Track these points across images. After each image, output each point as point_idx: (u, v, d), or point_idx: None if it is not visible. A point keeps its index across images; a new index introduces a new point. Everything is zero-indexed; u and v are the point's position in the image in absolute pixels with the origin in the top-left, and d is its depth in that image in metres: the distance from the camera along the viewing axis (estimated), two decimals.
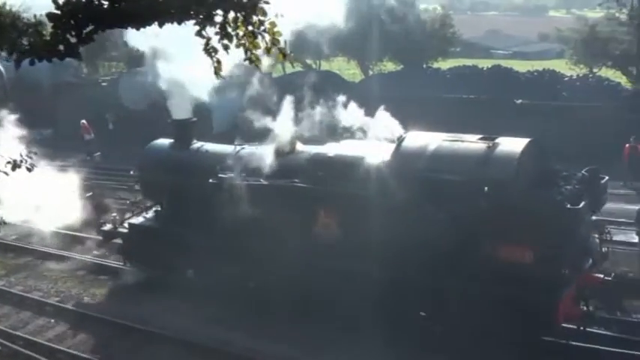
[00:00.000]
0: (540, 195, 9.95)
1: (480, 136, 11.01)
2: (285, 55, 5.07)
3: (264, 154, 12.75)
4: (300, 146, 12.74)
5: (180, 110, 13.98)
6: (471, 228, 10.20)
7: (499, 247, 10.04)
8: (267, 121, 12.45)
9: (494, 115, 20.28)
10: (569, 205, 9.69)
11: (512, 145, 10.45)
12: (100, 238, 15.12)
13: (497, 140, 10.67)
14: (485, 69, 27.87)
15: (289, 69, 31.95)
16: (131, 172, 15.11)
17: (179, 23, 4.96)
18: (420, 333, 10.99)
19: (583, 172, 10.36)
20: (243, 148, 13.26)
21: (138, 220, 14.17)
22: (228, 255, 12.55)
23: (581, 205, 9.73)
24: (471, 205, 10.18)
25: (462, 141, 10.92)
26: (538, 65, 29.94)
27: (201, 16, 4.88)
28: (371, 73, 32.10)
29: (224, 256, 12.61)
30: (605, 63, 29.09)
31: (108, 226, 14.60)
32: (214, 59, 5.02)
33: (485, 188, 9.91)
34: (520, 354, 10.22)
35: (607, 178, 10.82)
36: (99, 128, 27.00)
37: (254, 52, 4.99)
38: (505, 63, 31.25)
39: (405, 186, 10.62)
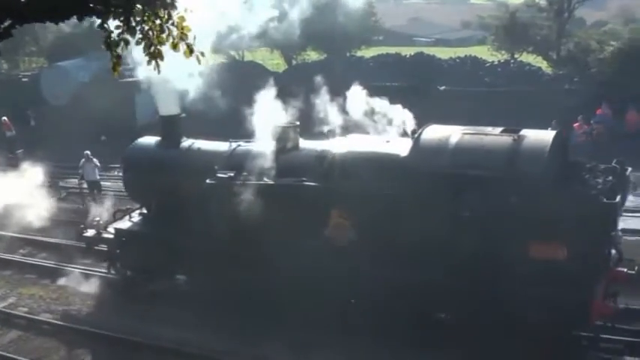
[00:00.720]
0: (575, 190, 9.54)
1: (502, 128, 10.57)
2: (192, 51, 5.04)
3: (265, 152, 12.01)
4: (302, 142, 12.06)
5: (166, 106, 13.07)
6: (500, 226, 9.73)
7: (530, 244, 9.60)
8: (260, 117, 11.78)
9: (418, 102, 20.02)
10: (605, 200, 9.34)
11: (538, 138, 10.02)
12: (83, 245, 14.09)
13: (521, 133, 10.23)
14: (408, 57, 28.01)
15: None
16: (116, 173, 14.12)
17: (98, 17, 4.91)
18: (445, 336, 10.52)
19: (613, 164, 9.99)
20: (239, 145, 12.48)
21: (124, 224, 13.23)
22: (228, 259, 11.78)
23: (617, 199, 9.38)
24: (500, 202, 9.73)
25: (485, 134, 10.42)
26: (460, 52, 30.36)
27: (120, 10, 4.84)
28: (294, 62, 31.77)
29: (224, 261, 11.85)
30: (525, 48, 29.68)
31: (90, 232, 13.60)
32: (114, 54, 4.97)
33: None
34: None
35: (630, 169, 10.52)
36: (20, 125, 26.19)
37: (158, 47, 5.00)
38: (428, 50, 31.63)
39: (427, 183, 10.04)
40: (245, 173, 11.61)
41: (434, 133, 10.60)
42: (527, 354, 9.84)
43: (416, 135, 10.74)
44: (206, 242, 11.95)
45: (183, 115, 13.21)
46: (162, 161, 12.86)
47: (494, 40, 31.47)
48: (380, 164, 10.76)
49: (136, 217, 13.45)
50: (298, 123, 12.01)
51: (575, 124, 20.39)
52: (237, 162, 11.99)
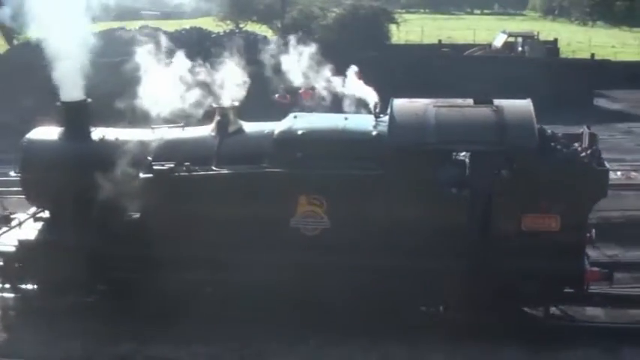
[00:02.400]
0: (567, 159, 9.37)
1: (471, 99, 10.13)
2: None
3: (203, 137, 10.60)
4: (245, 125, 10.76)
5: (69, 90, 10.95)
6: (491, 201, 9.36)
7: (524, 217, 9.35)
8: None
9: None
10: (597, 167, 9.30)
11: (517, 108, 9.72)
12: None
13: (496, 104, 9.87)
14: (133, 30, 27.16)
15: None
16: (12, 173, 11.60)
17: None
18: (438, 323, 10.00)
19: (587, 131, 9.95)
20: (166, 131, 10.84)
21: (25, 233, 10.97)
22: (175, 262, 10.23)
23: (607, 165, 9.37)
24: (491, 177, 9.34)
25: (461, 107, 9.93)
26: (187, 24, 30.60)
27: None
28: (16, 42, 29.89)
29: (168, 264, 10.27)
30: (250, 18, 29.95)
31: None
32: None
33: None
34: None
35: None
36: None
37: None
38: (154, 24, 31.08)
39: (411, 161, 9.37)
40: (187, 163, 10.09)
41: (406, 107, 9.89)
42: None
43: (388, 111, 9.99)
44: (143, 245, 10.28)
45: (90, 100, 11.17)
46: (72, 156, 10.75)
47: (219, 10, 31.67)
48: (354, 143, 9.87)
49: (33, 223, 11.26)
50: (237, 104, 10.70)
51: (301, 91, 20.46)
52: (171, 151, 10.39)
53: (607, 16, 38.01)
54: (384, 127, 9.99)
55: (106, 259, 10.52)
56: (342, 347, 9.82)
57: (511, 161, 9.28)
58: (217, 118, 10.52)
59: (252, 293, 10.01)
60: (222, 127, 10.44)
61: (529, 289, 9.62)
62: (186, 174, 10.00)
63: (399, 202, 9.50)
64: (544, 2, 78.82)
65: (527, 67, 27.40)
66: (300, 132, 9.96)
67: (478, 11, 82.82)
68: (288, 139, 9.95)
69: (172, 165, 10.08)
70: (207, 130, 10.73)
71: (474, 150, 9.42)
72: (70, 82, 10.84)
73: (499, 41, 33.05)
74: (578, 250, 9.46)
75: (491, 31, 38.01)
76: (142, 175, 10.15)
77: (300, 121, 10.30)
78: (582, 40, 40.36)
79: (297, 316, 10.04)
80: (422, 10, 74.38)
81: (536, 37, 32.52)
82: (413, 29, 40.74)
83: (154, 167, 10.10)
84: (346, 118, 10.41)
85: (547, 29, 41.84)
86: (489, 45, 33.66)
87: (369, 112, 10.56)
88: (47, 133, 11.26)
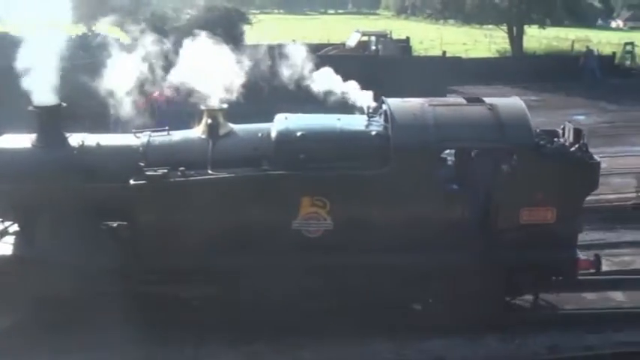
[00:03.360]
0: (561, 154, 9.78)
1: (463, 97, 10.41)
2: None
3: (193, 141, 10.25)
4: (233, 127, 10.48)
5: (41, 92, 10.23)
6: (492, 196, 9.65)
7: (522, 210, 9.69)
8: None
9: None
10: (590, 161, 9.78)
11: (510, 106, 10.06)
12: None
13: (487, 101, 10.18)
14: None
15: None
16: None
17: None
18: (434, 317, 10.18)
19: (572, 126, 10.41)
20: (150, 136, 10.38)
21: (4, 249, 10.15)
22: (168, 272, 9.84)
23: (598, 158, 9.87)
24: (493, 173, 9.63)
25: (456, 105, 10.17)
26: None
27: None
28: None
29: (162, 275, 9.87)
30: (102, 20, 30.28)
31: None
32: None
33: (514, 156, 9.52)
34: None
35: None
36: None
37: None
38: None
39: (415, 159, 9.50)
40: (182, 168, 9.71)
41: (403, 107, 9.99)
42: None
43: (384, 111, 10.06)
44: (133, 257, 9.81)
45: (64, 104, 10.47)
46: (49, 165, 10.04)
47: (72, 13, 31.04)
48: (356, 143, 9.87)
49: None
50: (226, 105, 10.42)
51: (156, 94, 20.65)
52: (162, 156, 9.98)
53: (458, 15, 39.75)
54: (379, 126, 10.08)
55: (91, 273, 9.97)
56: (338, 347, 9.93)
57: (511, 157, 9.61)
58: (207, 120, 10.20)
59: (252, 299, 9.88)
60: (213, 130, 10.12)
61: (525, 280, 10.04)
62: (183, 179, 9.65)
63: (403, 199, 9.61)
64: (397, 1, 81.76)
65: (381, 65, 27.96)
66: (299, 133, 9.83)
67: (332, 11, 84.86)
68: (289, 140, 9.80)
69: (166, 170, 9.69)
70: (195, 133, 10.38)
71: (475, 147, 9.67)
72: (44, 84, 10.16)
73: (353, 40, 33.57)
74: (571, 240, 9.93)
75: (345, 30, 38.61)
76: (132, 182, 9.68)
77: (294, 122, 10.17)
78: (434, 37, 41.74)
79: (297, 320, 9.98)
80: (276, 11, 75.17)
81: (389, 36, 33.32)
82: (267, 30, 41.00)
83: (147, 173, 9.66)
84: (339, 119, 10.39)
85: (400, 28, 43.07)
86: (343, 44, 34.15)
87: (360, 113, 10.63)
88: (17, 140, 10.48)
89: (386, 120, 10.09)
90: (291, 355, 9.76)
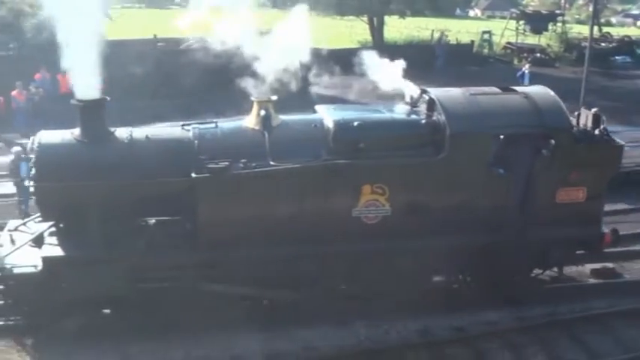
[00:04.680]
0: (594, 138, 10.67)
1: (495, 87, 11.11)
2: None
3: (245, 133, 10.29)
4: (283, 118, 10.59)
5: (86, 86, 9.84)
6: (534, 178, 10.39)
7: (558, 190, 10.52)
8: None
9: None
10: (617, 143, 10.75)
11: (541, 94, 10.84)
12: None
13: (520, 90, 10.94)
14: None
15: None
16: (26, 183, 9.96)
17: None
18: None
19: (590, 112, 11.31)
20: (198, 128, 10.28)
21: (46, 250, 9.70)
22: (232, 264, 9.88)
23: (621, 142, 10.85)
24: (533, 157, 10.36)
25: (494, 94, 10.83)
26: None
27: None
28: None
29: (224, 267, 9.89)
30: None
31: None
32: None
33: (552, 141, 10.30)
34: None
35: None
36: None
37: None
38: None
39: (468, 145, 10.07)
40: (244, 160, 9.73)
41: (449, 97, 10.52)
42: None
43: (428, 100, 10.55)
44: (195, 251, 9.76)
45: (108, 98, 10.10)
46: (101, 161, 9.71)
47: None
48: (412, 131, 10.31)
49: (43, 238, 10.01)
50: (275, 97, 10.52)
51: (14, 92, 21.14)
52: (215, 149, 9.94)
53: (318, 6, 40.93)
54: (425, 115, 10.57)
55: (147, 269, 9.82)
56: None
57: (549, 141, 10.38)
58: (260, 111, 10.24)
59: (313, 285, 10.16)
60: (267, 121, 10.19)
61: (557, 254, 10.92)
62: (247, 171, 9.68)
63: (456, 184, 10.17)
64: None
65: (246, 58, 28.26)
66: (356, 123, 10.12)
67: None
68: (348, 130, 10.07)
69: (227, 163, 9.68)
70: (247, 125, 10.41)
71: (521, 133, 10.36)
72: (88, 78, 9.80)
73: None
74: (598, 216, 10.90)
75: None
76: (194, 176, 9.59)
77: (346, 113, 10.46)
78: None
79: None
80: (137, 6, 73.96)
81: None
82: (129, 24, 40.21)
83: (210, 166, 9.60)
84: (382, 109, 10.79)
85: (264, 20, 43.56)
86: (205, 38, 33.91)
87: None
88: (59, 136, 10.04)
89: (430, 109, 10.60)
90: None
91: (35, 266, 9.60)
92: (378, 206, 10.08)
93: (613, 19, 76.45)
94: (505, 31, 40.85)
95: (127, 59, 23.78)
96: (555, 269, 11.44)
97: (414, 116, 10.60)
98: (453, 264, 10.71)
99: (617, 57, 37.73)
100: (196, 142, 10.02)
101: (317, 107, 11.04)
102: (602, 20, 57.03)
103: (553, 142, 10.31)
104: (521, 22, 41.23)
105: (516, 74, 26.68)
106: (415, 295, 10.51)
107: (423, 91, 10.85)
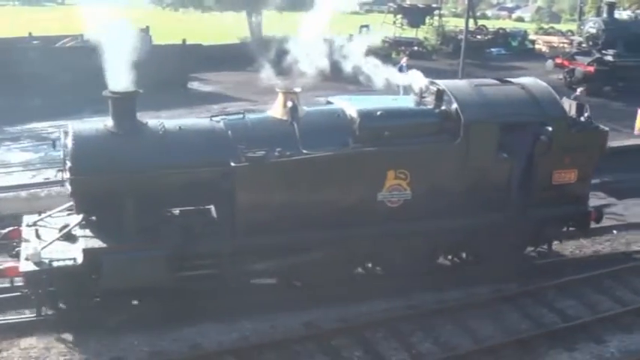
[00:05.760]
0: (582, 124, 11.79)
1: (492, 78, 12.03)
2: None
3: (278, 123, 10.73)
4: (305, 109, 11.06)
5: (117, 77, 9.92)
6: (533, 162, 11.37)
7: (554, 173, 11.57)
8: None
9: None
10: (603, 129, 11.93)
11: (535, 85, 11.85)
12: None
13: (515, 81, 11.93)
14: None
15: None
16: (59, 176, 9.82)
17: None
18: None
19: (574, 102, 12.47)
20: (226, 119, 10.61)
21: (87, 243, 9.70)
22: (269, 250, 10.29)
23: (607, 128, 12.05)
24: (534, 142, 11.34)
25: (495, 85, 11.75)
26: None
27: None
28: None
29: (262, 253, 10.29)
30: None
31: (27, 264, 9.45)
32: None
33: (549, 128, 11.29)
34: None
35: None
36: None
37: None
38: None
39: (480, 134, 10.91)
40: (279, 149, 10.14)
41: (458, 87, 11.36)
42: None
43: (437, 91, 11.31)
44: (235, 237, 10.10)
45: (141, 90, 10.19)
46: (137, 152, 9.83)
47: None
48: (426, 120, 11.07)
49: (78, 231, 10.02)
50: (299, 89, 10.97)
51: None
52: (254, 138, 10.30)
53: (197, 3, 41.15)
54: (436, 105, 11.36)
55: (186, 257, 10.04)
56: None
57: (547, 128, 11.39)
58: (287, 102, 10.66)
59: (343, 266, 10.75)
60: (294, 112, 10.63)
61: (551, 231, 12.01)
62: (283, 159, 10.09)
63: (469, 167, 11.00)
64: None
65: None
66: (379, 112, 10.76)
67: (70, 0, 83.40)
68: (373, 119, 10.69)
69: (264, 152, 10.06)
70: (274, 116, 10.81)
71: (522, 121, 11.31)
72: (121, 70, 9.90)
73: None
74: (586, 196, 12.06)
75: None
76: (233, 164, 9.92)
77: (367, 103, 11.07)
78: (174, 25, 42.61)
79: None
80: (12, 4, 71.89)
81: None
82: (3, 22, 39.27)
83: (248, 155, 9.95)
84: (395, 99, 11.49)
85: (141, 17, 43.34)
86: (81, 35, 33.99)
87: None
88: (92, 127, 10.08)
89: (439, 99, 11.39)
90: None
91: (74, 259, 9.67)
92: (400, 190, 10.77)
93: (489, 12, 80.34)
94: (383, 25, 41.25)
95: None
96: (544, 246, 12.54)
97: (428, 106, 11.36)
98: (460, 242, 11.56)
99: (492, 49, 39.54)
100: (229, 132, 10.36)
101: (331, 99, 11.60)
102: (478, 13, 60.00)
103: (550, 129, 11.35)
104: (399, 16, 41.84)
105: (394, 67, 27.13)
106: (425, 272, 11.37)
107: (431, 82, 11.63)
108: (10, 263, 9.96)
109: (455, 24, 42.42)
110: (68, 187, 10.04)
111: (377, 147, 10.55)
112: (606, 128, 12.01)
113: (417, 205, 10.83)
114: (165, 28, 38.35)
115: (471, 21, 38.86)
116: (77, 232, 10.14)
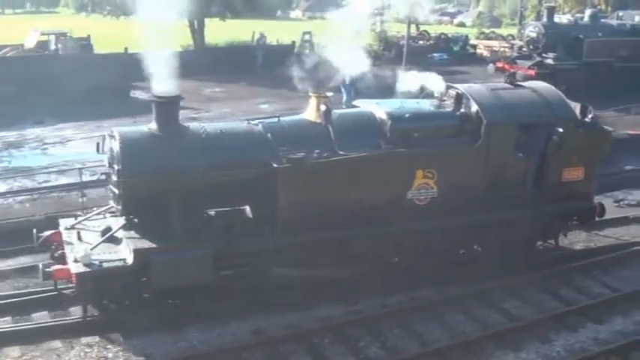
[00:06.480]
0: (589, 125, 12.56)
1: (503, 82, 12.74)
2: None
3: (312, 125, 11.19)
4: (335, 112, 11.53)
5: (162, 81, 10.19)
6: (546, 161, 12.09)
7: (564, 170, 12.30)
8: None
9: None
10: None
11: (545, 88, 12.59)
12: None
13: (526, 85, 12.64)
14: None
15: None
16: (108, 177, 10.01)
17: None
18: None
19: (577, 105, 13.22)
20: (261, 122, 11.01)
21: (135, 244, 9.93)
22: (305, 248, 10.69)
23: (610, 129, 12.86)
24: (547, 142, 12.04)
25: (509, 89, 12.43)
26: None
27: None
28: None
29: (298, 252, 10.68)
30: None
31: (78, 266, 9.62)
32: None
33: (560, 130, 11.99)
34: None
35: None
36: None
37: None
38: None
39: (500, 135, 11.57)
40: (318, 150, 10.58)
41: (477, 91, 12.00)
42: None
43: (460, 95, 11.90)
44: (273, 237, 10.48)
45: (183, 97, 10.49)
46: (183, 155, 10.16)
47: None
48: (450, 122, 11.70)
49: (121, 235, 10.25)
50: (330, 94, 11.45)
51: None
52: (286, 141, 10.71)
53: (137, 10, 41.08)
54: (456, 108, 11.95)
55: (229, 256, 10.39)
56: None
57: (558, 129, 12.10)
58: (320, 106, 11.10)
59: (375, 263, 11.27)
60: (328, 116, 11.08)
61: (560, 226, 12.75)
62: (323, 160, 10.53)
63: (489, 166, 11.64)
64: None
65: (62, 64, 27.56)
66: (407, 115, 11.31)
67: (10, 11, 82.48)
68: (402, 121, 11.22)
69: (304, 154, 10.48)
70: (307, 119, 11.25)
71: (536, 122, 12.00)
72: (164, 75, 10.18)
73: (31, 40, 32.59)
74: (592, 192, 12.84)
75: (24, 30, 36.55)
76: (275, 165, 10.30)
77: (395, 106, 11.59)
78: (115, 34, 42.67)
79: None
80: None
81: (69, 35, 32.63)
82: None
83: (290, 156, 10.35)
84: (418, 102, 12.06)
85: (81, 26, 42.88)
86: (22, 45, 33.39)
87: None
88: (139, 132, 10.35)
89: (458, 102, 11.99)
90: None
91: (124, 260, 9.90)
92: (427, 189, 11.34)
93: (430, 18, 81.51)
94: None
95: None
96: (551, 241, 13.27)
97: (449, 109, 11.96)
98: (478, 237, 12.18)
99: (434, 54, 40.21)
100: (269, 134, 10.74)
101: (357, 102, 12.11)
102: (420, 19, 60.85)
103: (561, 130, 12.08)
104: None
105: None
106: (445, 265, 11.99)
107: (449, 87, 12.24)
108: (57, 266, 10.10)
109: (397, 30, 42.31)
110: (115, 190, 10.27)
111: (407, 148, 11.11)
112: (610, 129, 12.85)
113: (442, 203, 11.42)
114: (106, 36, 38.15)
115: (413, 27, 39.38)
116: (119, 234, 10.39)
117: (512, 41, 38.79)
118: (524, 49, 30.30)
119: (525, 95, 12.33)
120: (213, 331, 10.37)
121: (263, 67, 33.19)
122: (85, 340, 9.99)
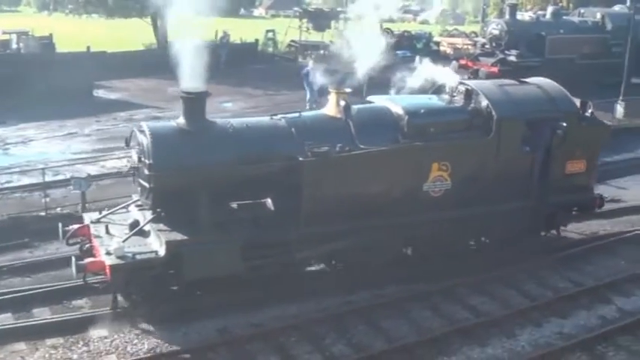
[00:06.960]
0: (591, 120, 13.12)
1: (507, 79, 13.23)
2: None
3: (333, 120, 11.58)
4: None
5: (191, 77, 10.42)
6: (550, 154, 12.60)
7: (567, 163, 12.84)
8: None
9: None
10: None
11: (548, 84, 13.11)
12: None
13: (530, 81, 13.14)
14: None
15: None
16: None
17: None
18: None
19: (577, 100, 13.78)
20: (283, 118, 11.32)
21: (166, 236, 10.15)
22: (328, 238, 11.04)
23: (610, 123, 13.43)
24: (551, 136, 12.56)
25: (516, 85, 12.93)
26: None
27: None
28: None
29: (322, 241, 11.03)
30: None
31: (111, 258, 9.80)
32: None
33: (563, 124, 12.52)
34: None
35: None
36: None
37: None
38: None
39: (510, 129, 12.06)
40: (340, 144, 10.92)
41: (487, 87, 12.48)
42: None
43: (470, 91, 12.34)
44: (300, 227, 10.81)
45: (208, 91, 10.72)
46: (211, 149, 10.44)
47: None
48: (462, 117, 12.14)
49: (149, 227, 10.48)
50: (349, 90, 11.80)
51: None
52: (309, 135, 11.03)
53: (100, 9, 41.01)
54: (467, 103, 12.40)
55: (258, 247, 10.68)
56: None
57: (562, 123, 12.63)
58: (341, 101, 11.44)
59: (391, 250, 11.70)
60: (348, 111, 11.43)
61: (563, 217, 13.30)
62: (346, 154, 10.88)
63: (499, 160, 12.11)
64: None
65: (24, 63, 27.69)
66: (423, 110, 11.72)
67: None
68: (419, 116, 11.63)
69: (327, 148, 10.81)
70: (327, 114, 11.58)
71: (542, 117, 12.51)
72: (195, 72, 10.42)
73: None
74: (592, 184, 13.42)
75: None
76: (301, 159, 10.61)
77: (411, 102, 11.99)
78: (78, 33, 41.45)
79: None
80: None
81: (30, 34, 32.30)
82: None
83: (315, 150, 10.67)
84: (430, 98, 12.48)
85: (43, 24, 42.56)
86: None
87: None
88: (168, 127, 10.59)
89: (468, 98, 12.44)
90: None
91: (156, 252, 10.12)
92: (442, 181, 11.77)
93: (394, 15, 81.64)
94: (289, 30, 41.69)
95: None
96: (553, 231, 13.83)
97: (461, 104, 12.40)
98: (486, 227, 12.64)
99: (398, 51, 38.76)
100: (293, 129, 11.05)
101: (370, 98, 12.48)
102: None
103: (565, 124, 12.62)
104: (305, 21, 41.71)
105: (301, 71, 25.65)
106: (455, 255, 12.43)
107: (460, 83, 12.69)
108: (90, 259, 10.26)
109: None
110: (145, 184, 10.47)
111: (424, 142, 11.52)
112: (609, 123, 13.44)
113: (455, 194, 11.86)
114: (68, 35, 37.84)
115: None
116: (147, 227, 10.60)
117: (475, 38, 38.69)
118: (487, 46, 30.44)
119: (531, 91, 12.84)
120: (179, 331, 10.36)
121: (227, 65, 33.22)
122: (49, 341, 9.98)
